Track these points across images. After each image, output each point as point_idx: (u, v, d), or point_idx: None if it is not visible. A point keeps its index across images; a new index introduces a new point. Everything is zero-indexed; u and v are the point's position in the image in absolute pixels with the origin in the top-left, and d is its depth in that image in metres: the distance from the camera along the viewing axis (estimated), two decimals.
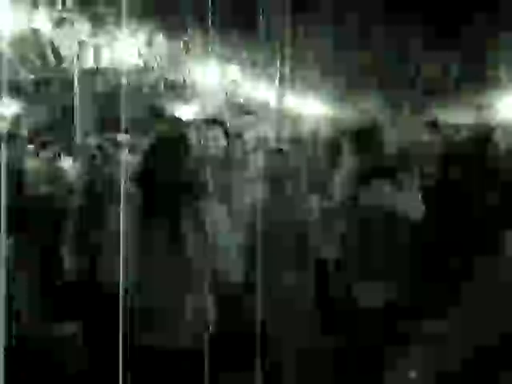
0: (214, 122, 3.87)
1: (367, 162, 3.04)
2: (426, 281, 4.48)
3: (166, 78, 9.71)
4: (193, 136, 2.43)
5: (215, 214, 2.34)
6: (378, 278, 2.95)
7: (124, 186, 2.70)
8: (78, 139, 8.72)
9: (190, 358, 2.28)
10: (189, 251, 2.30)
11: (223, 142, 3.79)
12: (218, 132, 3.70)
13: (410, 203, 3.02)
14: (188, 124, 2.54)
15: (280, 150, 3.63)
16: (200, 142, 2.66)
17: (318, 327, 3.57)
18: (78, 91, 8.99)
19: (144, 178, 2.38)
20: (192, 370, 2.28)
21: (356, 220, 3.00)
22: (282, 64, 9.14)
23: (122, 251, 2.31)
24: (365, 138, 3.13)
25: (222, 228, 2.36)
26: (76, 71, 8.74)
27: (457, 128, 8.39)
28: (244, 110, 12.45)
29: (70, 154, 6.43)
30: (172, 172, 2.34)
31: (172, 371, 2.33)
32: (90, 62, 9.45)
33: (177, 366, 2.31)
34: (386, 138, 4.00)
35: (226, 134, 3.87)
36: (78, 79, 8.98)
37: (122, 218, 2.32)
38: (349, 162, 3.13)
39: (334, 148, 3.80)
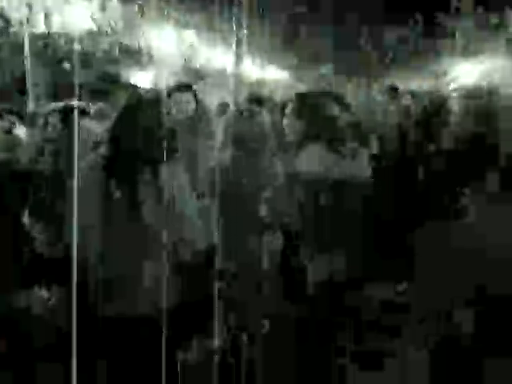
0: (184, 87, 3.80)
1: (311, 127, 3.00)
2: (377, 251, 4.58)
3: (121, 43, 9.45)
4: (163, 102, 2.38)
5: (179, 179, 2.30)
6: (328, 249, 2.94)
7: (86, 153, 2.63)
8: (30, 106, 8.45)
9: (149, 325, 2.26)
10: (148, 218, 2.26)
11: (192, 107, 3.72)
12: (187, 97, 3.62)
13: (355, 169, 2.98)
14: (150, 91, 2.47)
15: (247, 112, 3.58)
16: (170, 107, 2.59)
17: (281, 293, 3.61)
18: (28, 57, 8.66)
19: (112, 144, 2.34)
20: (152, 337, 2.26)
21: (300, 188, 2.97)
22: (239, 30, 9.02)
23: (83, 219, 2.27)
24: (311, 103, 3.08)
25: (185, 193, 2.32)
26: (26, 35, 8.40)
27: (413, 95, 8.48)
28: (200, 75, 12.29)
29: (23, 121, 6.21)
30: (142, 138, 2.29)
31: (132, 339, 2.31)
32: (40, 27, 9.11)
33: (137, 334, 2.29)
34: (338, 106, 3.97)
35: (196, 99, 3.80)
36: (29, 44, 8.65)
37: (81, 187, 2.27)
38: (294, 126, 3.08)
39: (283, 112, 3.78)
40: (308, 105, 3.07)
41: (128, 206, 2.27)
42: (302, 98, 3.15)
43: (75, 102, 3.56)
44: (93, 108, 4.14)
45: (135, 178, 2.26)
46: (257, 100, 4.99)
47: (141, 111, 2.35)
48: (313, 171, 2.88)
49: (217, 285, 3.01)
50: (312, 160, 2.90)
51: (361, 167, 3.02)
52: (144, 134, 2.29)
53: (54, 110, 3.49)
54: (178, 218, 2.27)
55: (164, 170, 2.27)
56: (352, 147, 3.08)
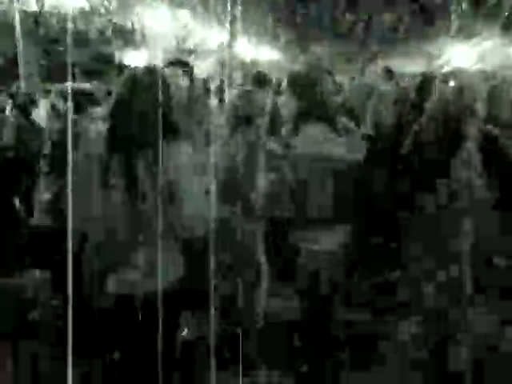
0: (179, 63, 3.77)
1: (307, 105, 3.00)
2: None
3: (115, 23, 9.35)
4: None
5: (179, 160, 2.29)
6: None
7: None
8: (23, 87, 8.37)
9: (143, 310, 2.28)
10: (147, 200, 2.26)
11: (187, 84, 3.70)
12: (182, 73, 3.60)
13: (350, 147, 2.99)
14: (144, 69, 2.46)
15: (248, 91, 3.60)
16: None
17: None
18: (20, 36, 8.55)
19: (110, 128, 2.33)
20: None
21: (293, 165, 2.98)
22: (233, 9, 8.93)
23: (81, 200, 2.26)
24: (305, 81, 3.07)
25: (185, 176, 2.30)
26: (17, 14, 8.29)
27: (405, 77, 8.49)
28: (195, 55, 12.19)
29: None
30: (140, 121, 2.28)
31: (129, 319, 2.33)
32: (32, 5, 8.99)
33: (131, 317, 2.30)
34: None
35: (191, 76, 3.78)
36: (20, 23, 8.54)
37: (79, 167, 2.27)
38: (289, 104, 3.09)
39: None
40: (302, 83, 3.05)
41: (127, 189, 2.26)
42: (296, 76, 3.15)
43: (82, 84, 3.48)
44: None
45: (134, 161, 2.24)
46: (260, 79, 4.98)
47: (136, 95, 2.31)
48: (312, 149, 2.90)
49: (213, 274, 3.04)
50: (312, 138, 2.92)
51: (355, 146, 3.03)
52: (141, 116, 2.28)
53: (60, 93, 3.38)
54: (177, 202, 2.27)
55: (164, 152, 2.25)
56: (346, 126, 3.10)
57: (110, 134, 2.33)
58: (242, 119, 3.42)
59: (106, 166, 2.29)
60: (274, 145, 3.18)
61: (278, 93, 4.15)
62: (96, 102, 3.63)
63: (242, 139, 3.40)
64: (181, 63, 3.79)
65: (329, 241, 2.96)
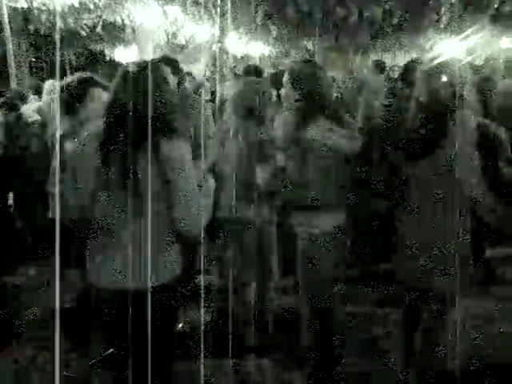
0: (168, 59, 3.77)
1: (308, 96, 3.05)
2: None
3: (105, 20, 9.31)
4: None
5: (179, 156, 2.29)
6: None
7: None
8: (12, 84, 8.34)
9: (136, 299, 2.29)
10: (144, 199, 2.25)
11: (175, 80, 3.71)
12: (171, 70, 3.61)
13: (349, 138, 3.07)
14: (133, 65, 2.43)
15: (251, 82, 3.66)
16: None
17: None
18: (8, 33, 8.49)
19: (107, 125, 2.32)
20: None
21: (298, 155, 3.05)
22: (224, 4, 8.90)
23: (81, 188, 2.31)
24: (306, 72, 3.14)
25: (186, 172, 2.30)
26: (5, 10, 8.23)
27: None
28: (185, 51, 12.15)
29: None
30: (137, 117, 2.27)
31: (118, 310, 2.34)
32: (21, 2, 8.93)
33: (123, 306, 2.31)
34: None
35: (178, 71, 3.79)
36: (9, 20, 8.48)
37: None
38: (290, 95, 3.12)
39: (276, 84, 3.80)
40: (303, 76, 3.12)
41: (123, 188, 2.26)
42: (297, 68, 3.22)
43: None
44: None
45: (130, 159, 2.22)
46: (250, 72, 5.00)
47: (131, 92, 2.29)
48: (318, 139, 2.97)
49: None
50: (317, 128, 2.99)
51: (353, 137, 3.11)
52: (137, 113, 2.27)
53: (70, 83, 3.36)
54: (174, 200, 2.27)
55: (163, 148, 2.24)
56: (344, 117, 3.18)
57: (105, 132, 2.32)
58: (246, 110, 3.48)
59: (101, 165, 2.28)
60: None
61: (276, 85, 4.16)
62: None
63: (245, 130, 3.46)
64: (169, 60, 3.80)
65: (329, 223, 3.06)
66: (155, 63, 2.42)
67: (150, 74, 2.29)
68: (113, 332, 2.45)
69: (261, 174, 3.20)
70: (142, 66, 2.34)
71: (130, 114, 2.24)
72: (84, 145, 2.37)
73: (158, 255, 2.26)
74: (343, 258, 3.26)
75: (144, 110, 2.25)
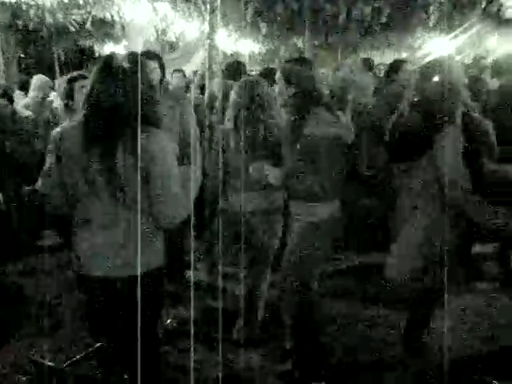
0: (151, 54, 3.78)
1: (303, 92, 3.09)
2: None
3: (94, 16, 9.25)
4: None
5: (160, 148, 2.30)
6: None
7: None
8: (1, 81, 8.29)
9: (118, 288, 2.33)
10: (126, 191, 2.27)
11: (158, 75, 3.72)
12: (153, 64, 3.62)
13: (344, 129, 3.15)
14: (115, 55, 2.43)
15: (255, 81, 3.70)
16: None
17: None
18: None
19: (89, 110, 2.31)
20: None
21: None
22: (214, 1, 8.87)
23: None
24: (298, 69, 3.20)
25: (167, 164, 2.31)
26: None
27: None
28: (175, 47, 12.12)
29: None
30: (122, 102, 2.27)
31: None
32: None
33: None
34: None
35: (162, 66, 3.79)
36: None
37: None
38: (286, 91, 3.17)
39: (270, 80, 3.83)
40: (296, 72, 3.19)
41: (106, 181, 2.27)
42: (289, 64, 3.27)
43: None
44: None
45: (111, 152, 2.24)
46: (236, 69, 5.01)
47: (110, 83, 2.28)
48: (318, 130, 3.04)
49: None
50: (317, 121, 3.06)
51: (349, 128, 3.21)
52: (117, 105, 2.27)
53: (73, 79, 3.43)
54: (159, 191, 2.28)
55: (142, 141, 2.24)
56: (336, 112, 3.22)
57: (84, 125, 2.32)
58: (245, 107, 3.51)
59: (83, 158, 2.29)
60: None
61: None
62: None
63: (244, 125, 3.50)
64: (151, 54, 3.81)
65: (326, 212, 3.14)
66: (133, 55, 2.42)
67: (128, 66, 2.29)
68: (98, 320, 2.48)
69: (272, 173, 3.22)
70: (119, 59, 2.33)
71: (107, 106, 2.24)
72: (64, 138, 2.37)
73: (142, 245, 2.28)
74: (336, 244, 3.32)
75: (122, 102, 2.25)
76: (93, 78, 2.31)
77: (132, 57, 2.35)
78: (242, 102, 3.51)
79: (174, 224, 2.37)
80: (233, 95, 3.60)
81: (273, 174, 3.19)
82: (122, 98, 2.25)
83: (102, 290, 2.35)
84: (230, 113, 3.59)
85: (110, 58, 2.33)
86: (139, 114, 2.25)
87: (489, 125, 3.36)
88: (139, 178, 2.23)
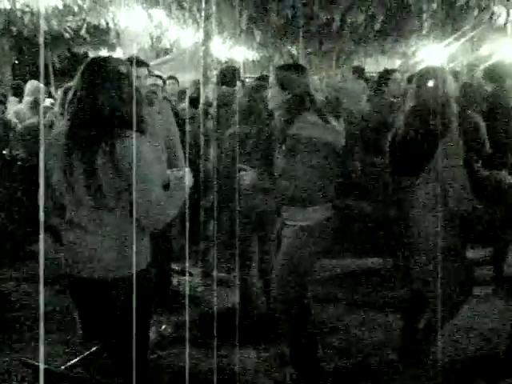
0: (140, 62, 3.80)
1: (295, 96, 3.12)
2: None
3: (89, 23, 9.27)
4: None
5: (142, 151, 2.31)
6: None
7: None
8: None
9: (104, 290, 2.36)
10: (109, 194, 2.28)
11: (147, 82, 3.74)
12: (142, 72, 3.64)
13: (336, 135, 3.17)
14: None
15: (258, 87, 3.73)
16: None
17: None
18: None
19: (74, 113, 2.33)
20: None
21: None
22: (208, 8, 8.89)
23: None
24: (289, 74, 3.22)
25: (149, 167, 2.33)
26: None
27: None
28: (168, 54, 12.13)
29: None
30: (106, 106, 2.29)
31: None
32: (4, 3, 8.87)
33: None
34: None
35: (150, 74, 3.81)
36: None
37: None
38: (278, 96, 3.18)
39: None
40: (290, 77, 3.22)
41: (88, 184, 2.28)
42: (284, 70, 3.30)
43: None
44: None
45: (95, 149, 2.25)
46: (228, 74, 5.04)
47: (93, 87, 2.30)
48: (307, 134, 3.06)
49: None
50: (304, 123, 3.09)
51: (340, 134, 3.22)
52: (99, 108, 2.28)
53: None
54: (140, 195, 2.29)
55: (123, 146, 2.26)
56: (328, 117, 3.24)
57: (69, 129, 2.34)
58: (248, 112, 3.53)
59: (66, 162, 2.31)
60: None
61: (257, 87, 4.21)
62: None
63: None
64: (140, 62, 3.82)
65: (316, 217, 3.16)
66: (115, 60, 2.44)
67: (109, 70, 2.31)
68: (89, 322, 2.49)
69: (246, 175, 3.24)
70: (101, 63, 2.35)
71: (88, 110, 2.27)
72: (51, 144, 2.39)
73: (127, 246, 2.30)
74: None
75: (103, 106, 2.27)
76: (75, 83, 2.34)
77: (117, 62, 2.38)
78: (253, 105, 3.58)
79: (157, 227, 2.39)
80: (241, 99, 3.64)
81: (246, 176, 3.20)
82: (104, 102, 2.27)
83: (90, 292, 2.37)
84: (237, 117, 3.62)
85: (93, 62, 2.36)
86: (122, 118, 2.28)
87: (478, 118, 3.42)
88: (120, 182, 2.25)
